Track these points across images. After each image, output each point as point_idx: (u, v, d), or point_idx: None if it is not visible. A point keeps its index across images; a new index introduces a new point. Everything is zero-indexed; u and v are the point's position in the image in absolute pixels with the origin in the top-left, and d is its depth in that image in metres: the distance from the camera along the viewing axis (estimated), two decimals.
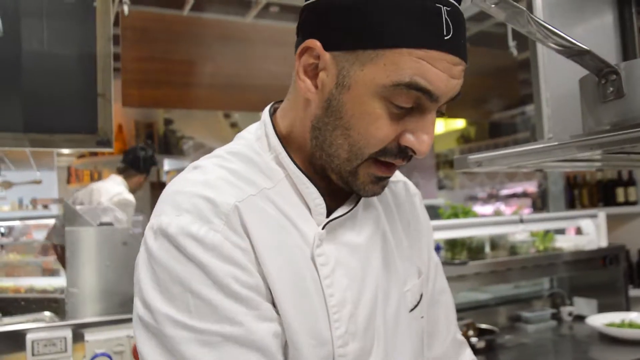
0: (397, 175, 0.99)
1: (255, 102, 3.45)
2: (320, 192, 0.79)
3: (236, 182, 0.75)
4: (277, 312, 0.72)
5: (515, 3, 0.74)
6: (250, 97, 3.39)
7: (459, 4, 0.71)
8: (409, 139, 0.72)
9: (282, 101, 0.86)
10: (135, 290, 0.72)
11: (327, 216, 0.79)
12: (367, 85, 0.70)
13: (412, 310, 0.88)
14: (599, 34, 1.26)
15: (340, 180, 0.77)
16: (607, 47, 1.26)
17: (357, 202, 0.82)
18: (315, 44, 0.72)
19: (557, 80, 1.13)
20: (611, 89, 0.82)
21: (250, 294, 0.69)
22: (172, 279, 0.68)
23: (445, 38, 0.68)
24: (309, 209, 0.79)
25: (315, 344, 0.73)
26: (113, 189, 3.28)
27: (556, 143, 0.80)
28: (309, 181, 0.78)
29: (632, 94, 0.81)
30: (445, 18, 0.68)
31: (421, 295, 0.91)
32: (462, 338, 1.05)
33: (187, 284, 0.67)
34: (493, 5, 0.74)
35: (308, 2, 0.75)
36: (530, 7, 1.14)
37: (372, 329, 0.79)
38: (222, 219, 0.71)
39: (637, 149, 0.90)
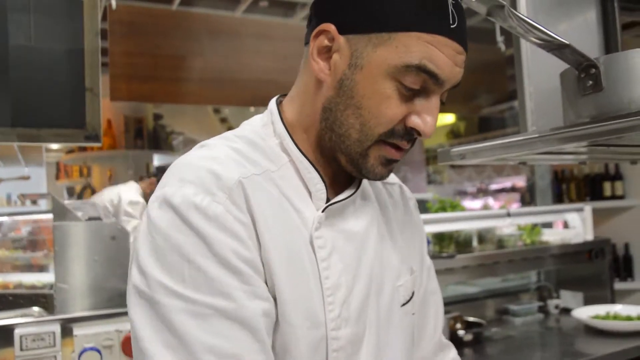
0: (393, 178, 1.02)
1: (245, 96, 3.46)
2: (322, 179, 0.81)
3: (241, 160, 0.77)
4: (273, 290, 0.73)
5: None
6: (240, 92, 3.39)
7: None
8: (415, 121, 0.76)
9: (286, 95, 0.89)
10: (132, 259, 0.73)
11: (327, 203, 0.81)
12: (379, 65, 0.74)
13: (403, 305, 0.90)
14: (582, 29, 1.28)
15: (350, 163, 0.80)
16: (590, 42, 1.28)
17: (356, 190, 0.85)
18: (330, 27, 0.76)
19: (540, 74, 1.14)
20: (590, 82, 0.84)
21: (246, 268, 0.70)
22: (170, 248, 0.69)
23: (452, 26, 0.73)
24: (310, 194, 0.81)
25: (309, 325, 0.74)
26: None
27: (536, 135, 0.81)
28: (311, 166, 0.81)
29: (611, 87, 0.82)
30: (451, 9, 0.73)
31: (413, 293, 0.93)
32: (448, 341, 1.08)
33: (186, 253, 0.68)
34: (474, 0, 0.75)
35: None
36: (513, 3, 1.15)
37: (365, 316, 0.81)
38: (225, 192, 0.72)
39: (618, 142, 0.92)
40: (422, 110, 0.76)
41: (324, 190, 0.81)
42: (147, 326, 0.68)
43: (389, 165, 0.80)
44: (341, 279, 0.79)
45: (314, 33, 0.78)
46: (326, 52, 0.78)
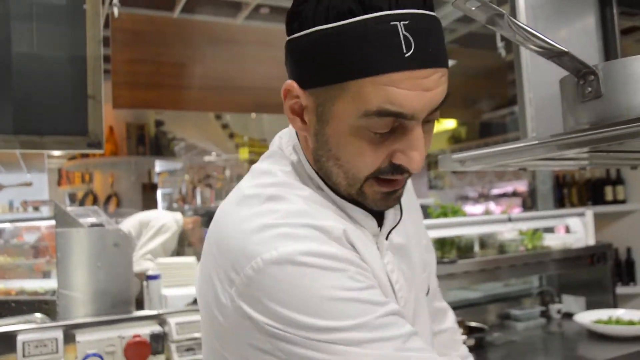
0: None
1: (246, 103, 3.47)
2: (369, 213, 0.82)
3: (321, 209, 0.77)
4: None
5: (495, 6, 0.76)
6: (241, 99, 3.40)
7: (424, 8, 0.70)
8: (400, 158, 0.73)
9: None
10: (259, 327, 0.68)
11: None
12: (341, 119, 0.71)
13: (427, 294, 0.97)
14: (582, 35, 1.28)
15: (354, 201, 0.80)
16: (590, 48, 1.28)
17: (401, 212, 0.87)
18: (293, 85, 0.75)
19: (540, 81, 1.15)
20: (589, 89, 0.84)
21: (378, 290, 0.73)
22: (318, 297, 0.67)
23: (406, 55, 0.67)
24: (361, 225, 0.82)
25: None
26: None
27: (536, 142, 0.82)
28: (354, 206, 0.81)
29: (610, 94, 0.83)
30: (404, 34, 0.67)
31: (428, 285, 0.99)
32: (445, 305, 1.14)
33: (330, 294, 0.67)
34: (473, 8, 0.75)
35: (287, 39, 0.76)
36: (513, 10, 1.16)
37: (416, 318, 0.88)
38: (337, 242, 0.72)
39: (618, 148, 0.93)
40: (404, 147, 0.72)
41: (375, 222, 0.82)
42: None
43: (391, 196, 0.79)
44: (405, 295, 0.84)
45: (282, 94, 0.77)
46: (299, 108, 0.77)
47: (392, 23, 0.66)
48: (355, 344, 0.65)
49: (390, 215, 0.85)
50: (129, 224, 3.30)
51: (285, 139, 0.87)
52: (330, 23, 0.68)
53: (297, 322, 0.66)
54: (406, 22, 0.67)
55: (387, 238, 0.83)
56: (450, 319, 1.12)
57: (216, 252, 0.75)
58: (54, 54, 1.72)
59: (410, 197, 1.00)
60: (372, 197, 0.77)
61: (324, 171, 0.79)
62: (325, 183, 0.81)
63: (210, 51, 3.33)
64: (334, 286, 0.67)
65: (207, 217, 3.39)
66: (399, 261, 0.85)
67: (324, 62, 0.70)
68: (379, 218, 0.84)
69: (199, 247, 3.92)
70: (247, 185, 0.81)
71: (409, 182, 1.00)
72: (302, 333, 0.66)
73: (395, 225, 0.85)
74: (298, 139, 0.84)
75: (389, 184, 0.76)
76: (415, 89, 0.68)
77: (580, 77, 0.86)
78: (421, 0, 0.69)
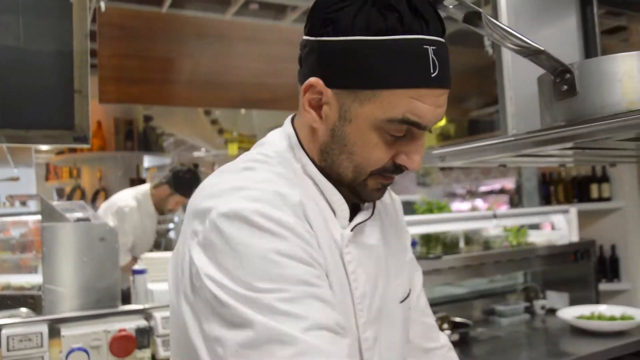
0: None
1: (235, 98, 3.46)
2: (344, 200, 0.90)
3: (287, 182, 0.83)
4: None
5: (471, 4, 0.77)
6: (229, 94, 3.40)
7: (444, 37, 0.80)
8: (404, 159, 0.84)
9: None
10: (200, 276, 0.74)
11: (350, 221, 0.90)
12: (365, 119, 0.81)
13: (402, 301, 0.99)
14: (563, 35, 1.30)
15: (350, 191, 0.89)
16: (571, 48, 1.31)
17: (373, 210, 0.95)
18: (318, 82, 0.82)
19: (521, 79, 1.17)
20: (565, 87, 0.86)
21: (320, 269, 0.78)
22: (251, 253, 0.72)
23: (432, 75, 0.77)
24: (334, 213, 0.89)
25: (349, 330, 0.83)
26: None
27: (512, 138, 0.84)
28: (334, 189, 0.89)
29: (584, 92, 0.85)
30: (432, 57, 0.77)
31: (410, 289, 1.03)
32: (432, 322, 1.15)
33: (266, 255, 0.72)
34: (451, 7, 0.77)
35: (308, 38, 0.83)
36: (495, 10, 1.18)
37: (379, 321, 0.92)
38: (291, 209, 0.78)
39: (594, 145, 0.95)
40: (409, 150, 0.83)
41: (347, 211, 0.90)
42: (247, 323, 0.69)
43: (385, 187, 0.89)
44: (366, 289, 0.89)
45: (303, 87, 0.84)
46: (317, 103, 0.84)
47: (424, 46, 0.77)
48: (264, 310, 0.69)
49: (362, 213, 0.92)
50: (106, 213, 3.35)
51: (278, 130, 0.95)
52: (370, 35, 0.77)
53: (227, 272, 0.72)
54: (434, 48, 0.78)
55: (352, 230, 0.88)
56: (443, 336, 1.17)
57: (188, 211, 0.83)
58: (41, 48, 1.72)
59: (398, 216, 1.08)
60: (371, 188, 0.87)
61: (330, 162, 0.87)
62: (317, 166, 0.89)
63: (198, 47, 3.32)
64: (270, 249, 0.72)
65: (174, 179, 3.39)
66: (364, 258, 0.90)
67: (359, 69, 0.78)
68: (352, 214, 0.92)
69: (180, 211, 3.93)
70: (231, 162, 0.90)
71: (400, 203, 1.12)
72: (226, 282, 0.71)
73: (364, 221, 0.91)
74: (294, 132, 0.92)
75: (387, 178, 0.87)
76: (432, 105, 0.79)
77: (557, 75, 0.88)
78: (441, 28, 0.80)
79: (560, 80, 0.87)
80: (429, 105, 0.79)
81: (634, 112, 0.72)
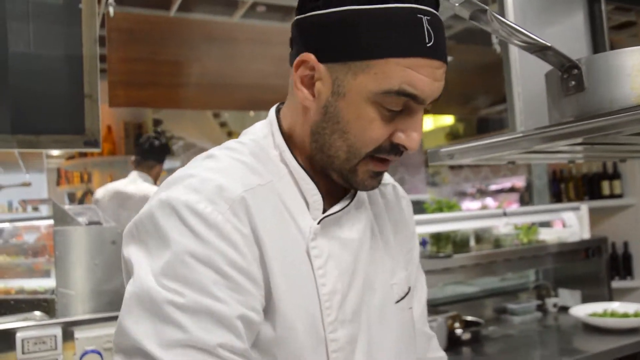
0: (387, 179, 1.05)
1: (243, 101, 3.47)
2: (318, 189, 0.85)
3: (246, 172, 0.81)
4: (273, 298, 0.77)
5: (478, 2, 0.78)
6: (238, 97, 3.41)
7: (437, 11, 0.77)
8: (401, 137, 0.79)
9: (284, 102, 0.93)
10: (129, 248, 0.76)
11: (324, 213, 0.86)
12: (360, 92, 0.77)
13: (398, 301, 0.94)
14: (571, 31, 1.30)
15: (341, 178, 0.84)
16: (579, 44, 1.30)
17: (351, 201, 0.89)
18: (310, 57, 0.79)
19: (529, 76, 1.17)
20: (573, 82, 0.86)
21: (237, 275, 0.73)
22: (167, 246, 0.72)
23: (428, 45, 0.75)
24: (307, 205, 0.85)
25: (309, 330, 0.79)
26: (142, 186, 3.32)
27: (520, 135, 0.84)
28: (308, 178, 0.85)
29: (592, 88, 0.84)
30: (427, 27, 0.75)
31: (409, 288, 0.98)
32: (431, 332, 1.12)
33: (180, 253, 0.71)
34: (457, 4, 0.77)
35: (299, 17, 0.81)
36: (501, 7, 1.18)
37: (359, 317, 0.86)
38: (227, 203, 0.75)
39: (603, 140, 0.94)
40: (406, 127, 0.79)
41: (321, 202, 0.85)
42: (139, 311, 0.70)
43: (377, 176, 0.85)
44: (337, 285, 0.83)
45: (295, 63, 0.81)
46: (309, 80, 0.81)
47: (418, 15, 0.74)
48: (152, 306, 0.69)
49: (338, 205, 0.87)
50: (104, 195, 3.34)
51: (264, 120, 0.93)
52: (362, 5, 0.74)
53: (148, 253, 0.73)
54: (429, 18, 0.75)
55: (319, 222, 0.84)
56: (439, 347, 1.13)
57: None
58: (51, 54, 1.74)
59: (403, 214, 1.04)
60: (362, 176, 0.83)
61: (321, 143, 0.82)
62: (291, 152, 0.86)
63: (206, 50, 3.33)
64: (185, 249, 0.71)
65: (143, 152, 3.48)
66: (338, 251, 0.85)
67: (351, 39, 0.75)
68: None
69: None
70: None
71: (408, 202, 1.07)
72: (143, 261, 0.72)
73: (336, 213, 0.86)
74: (276, 119, 0.89)
75: (381, 163, 0.82)
76: (429, 77, 0.76)
77: (564, 71, 0.88)
78: (435, 2, 0.77)
79: (567, 76, 0.87)
80: (425, 77, 0.75)
81: None
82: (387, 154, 0.81)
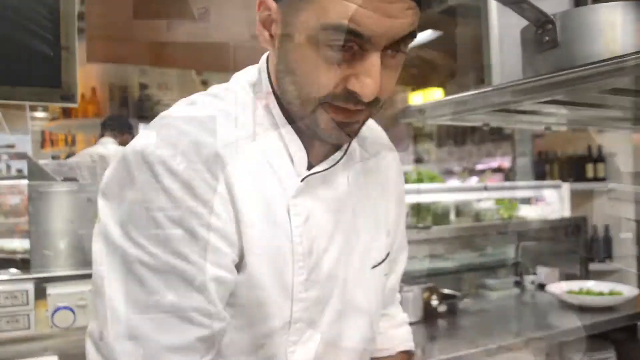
0: (384, 140, 1.03)
1: (226, 61, 3.41)
2: (305, 146, 0.81)
3: (227, 124, 0.77)
4: (246, 254, 0.75)
5: None
6: (221, 56, 3.34)
7: None
8: (354, 84, 0.71)
9: None
10: (101, 201, 0.74)
11: (309, 170, 0.82)
12: (302, 30, 0.71)
13: (374, 267, 0.93)
14: None
15: (308, 129, 0.78)
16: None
17: (339, 160, 0.85)
18: None
19: (506, 33, 1.14)
20: (547, 38, 0.84)
21: (212, 237, 0.72)
22: (138, 201, 0.70)
23: None
24: (292, 161, 0.81)
25: (277, 286, 0.78)
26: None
27: (490, 88, 0.82)
28: (293, 132, 0.81)
29: (566, 44, 0.83)
30: None
31: (387, 254, 0.96)
32: (399, 296, 1.12)
33: (152, 209, 0.70)
34: None
35: None
36: None
37: (334, 280, 0.85)
38: (201, 159, 0.72)
39: (573, 99, 0.93)
40: (359, 72, 0.71)
41: (305, 158, 0.81)
42: (111, 271, 0.69)
43: (345, 128, 0.77)
44: (313, 246, 0.81)
45: (257, 3, 0.77)
46: (268, 21, 0.77)
47: None
48: (122, 265, 0.69)
49: (323, 163, 0.84)
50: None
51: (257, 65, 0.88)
52: None
53: (115, 210, 0.71)
54: None
55: (302, 180, 0.81)
56: (402, 314, 1.13)
57: None
58: (27, 3, 1.69)
59: (389, 177, 1.00)
60: (324, 125, 0.76)
61: (281, 89, 0.78)
62: (278, 104, 0.81)
63: (189, 7, 3.25)
64: (157, 205, 0.69)
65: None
66: (320, 211, 0.82)
67: None
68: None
69: None
70: None
71: (398, 164, 1.03)
72: (103, 227, 0.71)
73: (321, 171, 0.82)
74: (266, 65, 0.84)
75: (343, 113, 0.74)
76: (376, 11, 0.67)
77: (539, 27, 0.86)
78: None
79: (542, 32, 0.86)
80: (372, 11, 0.66)
81: (613, 58, 0.70)
82: (345, 102, 0.73)
